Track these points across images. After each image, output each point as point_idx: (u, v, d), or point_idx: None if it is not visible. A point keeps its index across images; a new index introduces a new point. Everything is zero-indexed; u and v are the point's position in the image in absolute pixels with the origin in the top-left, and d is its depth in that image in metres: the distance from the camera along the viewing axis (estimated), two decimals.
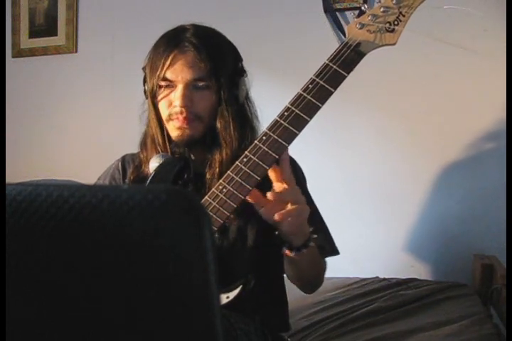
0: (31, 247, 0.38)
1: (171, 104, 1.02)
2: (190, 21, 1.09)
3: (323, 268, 1.12)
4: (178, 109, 1.01)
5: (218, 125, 1.04)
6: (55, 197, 0.37)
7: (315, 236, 0.97)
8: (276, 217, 0.86)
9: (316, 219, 1.12)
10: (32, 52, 2.35)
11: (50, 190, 0.37)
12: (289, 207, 0.88)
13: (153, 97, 1.06)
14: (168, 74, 1.02)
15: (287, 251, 0.95)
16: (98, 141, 2.25)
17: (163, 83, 1.03)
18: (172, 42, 1.03)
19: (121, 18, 2.23)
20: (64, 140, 2.32)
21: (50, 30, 2.32)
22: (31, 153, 2.35)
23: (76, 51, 2.30)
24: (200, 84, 1.02)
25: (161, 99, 1.04)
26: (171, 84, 1.03)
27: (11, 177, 2.08)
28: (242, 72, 1.08)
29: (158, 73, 1.02)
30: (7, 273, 0.38)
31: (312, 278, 1.11)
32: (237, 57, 1.09)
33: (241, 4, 2.07)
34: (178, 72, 1.01)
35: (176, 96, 1.01)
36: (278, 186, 0.91)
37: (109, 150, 2.04)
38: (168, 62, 1.01)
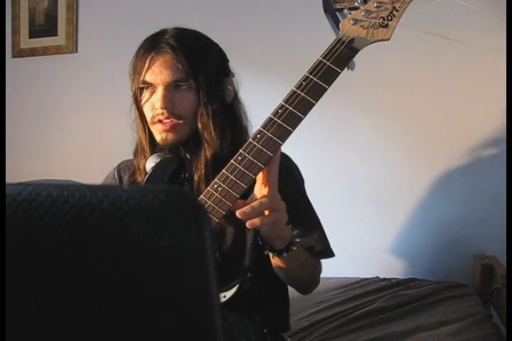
0: (31, 247, 0.38)
1: (154, 106, 1.03)
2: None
3: (316, 270, 1.11)
4: (159, 111, 1.01)
5: (199, 125, 1.04)
6: (55, 197, 0.37)
7: (298, 240, 0.97)
8: (248, 224, 0.86)
9: (311, 220, 1.12)
10: (32, 52, 2.35)
11: (50, 190, 0.37)
12: (266, 213, 0.88)
13: (136, 102, 1.06)
14: (148, 77, 1.02)
15: (270, 254, 0.96)
16: (98, 141, 2.25)
17: (144, 86, 1.03)
18: (150, 45, 1.04)
19: (122, 18, 2.23)
20: (64, 140, 2.32)
21: (50, 30, 2.32)
22: (31, 153, 2.35)
23: (76, 51, 2.30)
24: (180, 84, 1.02)
25: (144, 102, 1.05)
26: (151, 87, 1.03)
27: (11, 177, 2.08)
28: (227, 73, 1.08)
29: (138, 77, 1.03)
30: (7, 273, 0.38)
31: (303, 280, 1.11)
32: (221, 58, 1.09)
33: (241, 4, 2.07)
34: (157, 74, 1.01)
35: (157, 98, 1.02)
36: (258, 190, 0.91)
37: (109, 150, 2.05)
38: (146, 65, 1.02)
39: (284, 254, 0.94)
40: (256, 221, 0.86)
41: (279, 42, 2.01)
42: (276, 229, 0.92)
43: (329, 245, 1.12)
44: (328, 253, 1.11)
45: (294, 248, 0.95)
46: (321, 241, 1.10)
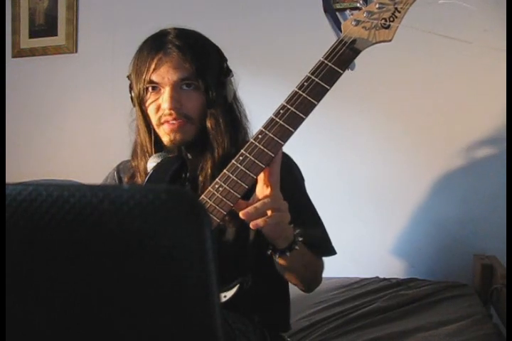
0: (31, 247, 0.38)
1: (160, 108, 1.02)
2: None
3: (318, 268, 1.11)
4: (167, 111, 1.00)
5: (208, 125, 1.03)
6: (55, 197, 0.37)
7: (301, 239, 0.97)
8: (252, 225, 0.86)
9: (312, 219, 1.12)
10: (32, 52, 2.35)
11: (51, 189, 0.37)
12: (269, 213, 0.88)
13: (140, 103, 1.04)
14: (154, 77, 1.01)
15: (272, 253, 0.96)
16: (98, 141, 2.25)
17: (149, 86, 1.02)
18: (155, 45, 1.03)
19: (121, 18, 2.23)
20: (64, 140, 2.32)
21: (50, 30, 2.32)
22: (31, 153, 2.35)
23: (76, 51, 2.30)
24: (187, 84, 1.01)
25: (149, 104, 1.03)
26: (157, 88, 1.02)
27: (11, 177, 2.08)
28: (227, 72, 1.08)
29: (144, 77, 1.01)
30: (7, 273, 0.38)
31: (306, 278, 1.11)
32: (221, 58, 1.09)
33: (241, 4, 2.07)
34: (164, 74, 1.00)
35: (164, 98, 1.00)
36: (260, 191, 0.90)
37: (109, 150, 2.05)
38: (153, 66, 1.01)
39: (287, 254, 0.94)
40: (260, 221, 0.86)
41: (279, 42, 2.01)
42: (279, 229, 0.91)
43: (331, 243, 1.12)
44: (331, 251, 1.12)
45: (296, 247, 0.95)
46: (323, 240, 1.11)
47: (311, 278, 1.12)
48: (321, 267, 1.12)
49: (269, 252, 0.96)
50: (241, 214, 0.86)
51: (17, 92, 2.35)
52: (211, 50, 1.08)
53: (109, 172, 1.22)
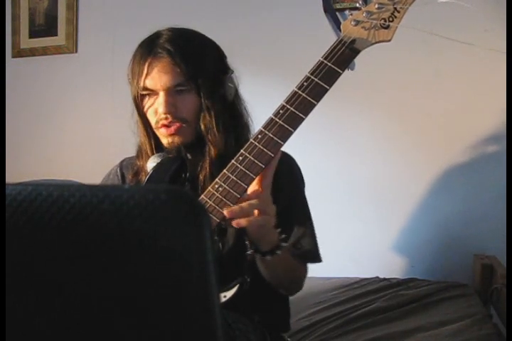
0: (31, 247, 0.38)
1: (157, 111, 1.03)
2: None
3: (301, 274, 1.10)
4: (163, 116, 1.01)
5: (202, 127, 1.04)
6: (55, 196, 0.37)
7: (284, 244, 0.96)
8: (234, 223, 0.86)
9: (303, 223, 1.11)
10: (32, 52, 2.35)
11: (51, 189, 0.37)
12: (255, 214, 0.88)
13: (137, 106, 1.06)
14: (148, 83, 1.02)
15: (253, 254, 0.95)
16: (98, 141, 2.25)
17: (145, 92, 1.03)
18: (147, 49, 1.03)
19: (122, 18, 2.23)
20: (64, 140, 2.32)
21: (50, 30, 2.32)
22: (31, 153, 2.35)
23: (76, 51, 2.30)
24: (180, 88, 1.02)
25: (148, 108, 1.05)
26: (153, 93, 1.03)
27: (11, 177, 2.08)
28: (226, 70, 1.07)
29: (137, 82, 1.03)
30: (7, 273, 0.38)
31: (286, 283, 1.09)
32: (219, 55, 1.09)
33: (241, 4, 2.07)
34: (157, 79, 1.01)
35: (159, 103, 1.02)
36: (251, 191, 0.90)
37: (109, 150, 2.05)
38: (145, 71, 1.02)
39: (268, 257, 0.94)
40: (242, 221, 0.86)
41: (279, 42, 2.01)
42: (263, 232, 0.91)
43: (318, 250, 1.11)
44: (316, 258, 1.10)
45: (278, 252, 0.94)
46: (311, 246, 1.10)
47: (291, 282, 1.11)
48: (303, 273, 1.11)
49: (249, 252, 0.95)
50: (225, 212, 0.86)
51: (17, 92, 2.35)
52: (207, 49, 1.07)
53: (111, 169, 1.22)
